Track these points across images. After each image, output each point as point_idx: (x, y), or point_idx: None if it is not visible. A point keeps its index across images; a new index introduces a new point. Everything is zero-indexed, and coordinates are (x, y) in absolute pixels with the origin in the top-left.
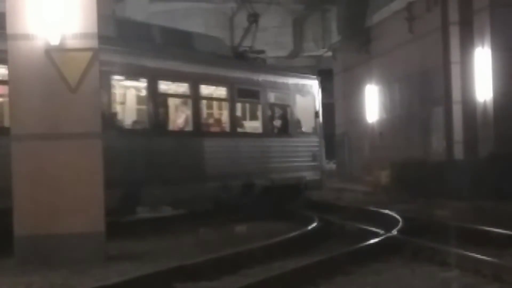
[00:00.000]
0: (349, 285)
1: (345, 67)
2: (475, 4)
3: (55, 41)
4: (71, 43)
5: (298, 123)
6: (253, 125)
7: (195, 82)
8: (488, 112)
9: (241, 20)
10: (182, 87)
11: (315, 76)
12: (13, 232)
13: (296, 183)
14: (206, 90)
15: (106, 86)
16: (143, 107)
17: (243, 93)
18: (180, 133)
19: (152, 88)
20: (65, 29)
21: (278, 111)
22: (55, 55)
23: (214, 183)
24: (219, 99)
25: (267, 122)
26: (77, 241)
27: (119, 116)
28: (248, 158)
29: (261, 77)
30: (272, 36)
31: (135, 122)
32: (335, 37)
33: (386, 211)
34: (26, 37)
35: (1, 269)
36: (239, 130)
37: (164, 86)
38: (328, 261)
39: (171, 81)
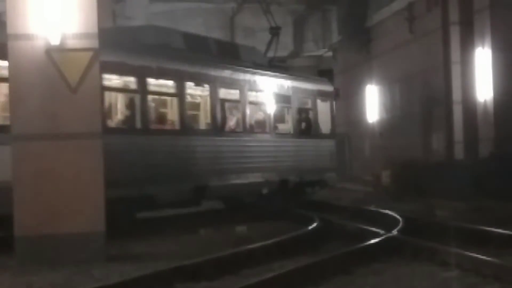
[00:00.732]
0: (349, 285)
1: (346, 67)
2: (475, 4)
3: (55, 41)
4: (72, 43)
5: (318, 125)
6: (285, 127)
7: (243, 88)
8: (488, 112)
9: (241, 20)
10: (234, 93)
11: (330, 82)
12: (14, 231)
13: (318, 179)
14: (252, 95)
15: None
16: (208, 110)
17: (279, 98)
18: (233, 134)
19: (214, 94)
20: (65, 29)
21: (303, 114)
22: (55, 55)
23: (259, 179)
24: (262, 104)
25: (296, 124)
26: (77, 241)
27: (194, 120)
28: (283, 156)
29: (291, 83)
30: None
31: (204, 124)
32: (335, 37)
33: (387, 211)
34: (26, 37)
35: (1, 269)
36: (276, 131)
37: (222, 92)
38: (328, 261)
39: (227, 88)
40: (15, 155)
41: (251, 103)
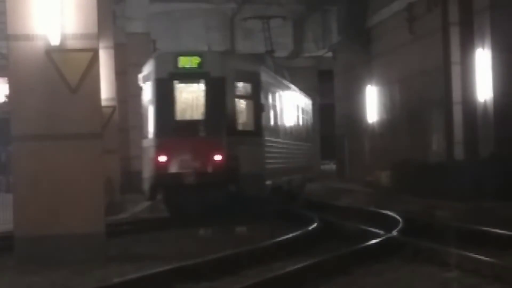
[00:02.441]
0: (349, 285)
1: (346, 67)
2: (475, 4)
3: (55, 42)
4: (72, 43)
5: (309, 131)
6: (301, 133)
7: (295, 103)
8: (488, 113)
9: (241, 20)
10: (296, 107)
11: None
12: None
13: (312, 176)
14: (298, 109)
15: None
16: (295, 121)
17: (302, 110)
18: (297, 139)
19: (296, 108)
20: (65, 30)
21: (305, 122)
22: (55, 56)
23: (299, 174)
24: (300, 115)
25: (304, 131)
26: (77, 241)
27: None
28: (303, 157)
29: (303, 97)
30: (273, 37)
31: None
32: (335, 38)
33: (386, 212)
34: (26, 37)
35: (1, 269)
36: (302, 136)
37: (296, 106)
38: (328, 262)
39: (297, 104)
40: (15, 155)
41: (298, 115)
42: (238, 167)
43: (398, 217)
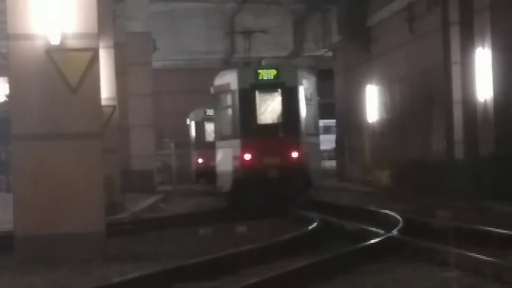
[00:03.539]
0: (349, 285)
1: (346, 67)
2: (475, 4)
3: (55, 41)
4: (72, 43)
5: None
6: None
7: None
8: (488, 112)
9: (242, 20)
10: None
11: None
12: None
13: None
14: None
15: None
16: None
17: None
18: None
19: None
20: (65, 29)
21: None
22: (55, 55)
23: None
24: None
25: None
26: (77, 241)
27: None
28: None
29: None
30: (273, 36)
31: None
32: (335, 37)
33: (387, 211)
34: (26, 37)
35: (1, 269)
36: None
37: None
38: (328, 261)
39: None
40: (15, 155)
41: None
42: (309, 163)
43: (398, 217)
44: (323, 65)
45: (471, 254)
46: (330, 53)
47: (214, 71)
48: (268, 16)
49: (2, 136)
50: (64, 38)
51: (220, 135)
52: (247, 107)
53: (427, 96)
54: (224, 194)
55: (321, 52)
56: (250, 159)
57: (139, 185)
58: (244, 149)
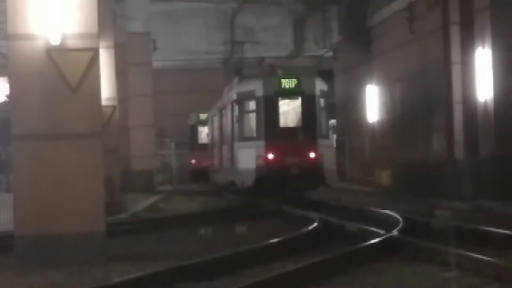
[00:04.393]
0: (349, 285)
1: (346, 67)
2: (475, 4)
3: (55, 41)
4: (72, 43)
5: None
6: None
7: None
8: (488, 112)
9: (242, 20)
10: None
11: None
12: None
13: None
14: None
15: None
16: None
17: None
18: None
19: None
20: (65, 29)
21: None
22: (55, 55)
23: None
24: None
25: None
26: (77, 241)
27: None
28: None
29: None
30: (273, 36)
31: None
32: (335, 37)
33: (387, 211)
34: (26, 37)
35: (1, 269)
36: None
37: None
38: (328, 261)
39: None
40: (15, 154)
41: None
42: (324, 163)
43: (398, 217)
44: (323, 65)
45: (471, 254)
46: (330, 53)
47: (214, 71)
48: (268, 16)
49: (2, 136)
50: (64, 38)
51: (242, 137)
52: (271, 112)
53: (427, 96)
54: (245, 189)
55: (321, 52)
56: (272, 159)
57: (139, 185)
58: (268, 150)
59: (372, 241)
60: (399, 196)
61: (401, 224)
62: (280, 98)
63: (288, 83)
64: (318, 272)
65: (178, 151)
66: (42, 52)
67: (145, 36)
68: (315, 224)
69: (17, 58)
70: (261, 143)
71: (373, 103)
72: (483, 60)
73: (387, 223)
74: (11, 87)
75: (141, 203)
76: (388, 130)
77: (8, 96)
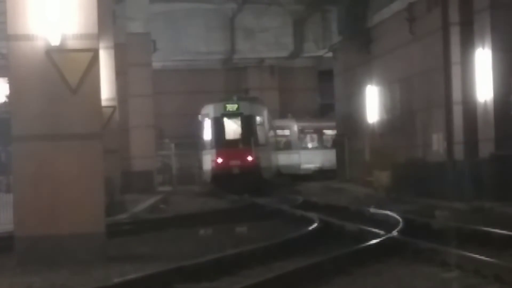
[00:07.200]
0: (349, 286)
1: (346, 67)
2: (475, 4)
3: (55, 42)
4: (72, 43)
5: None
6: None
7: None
8: (488, 113)
9: (242, 20)
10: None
11: None
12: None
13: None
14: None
15: None
16: None
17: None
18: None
19: None
20: (65, 30)
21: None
22: (55, 56)
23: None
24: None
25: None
26: (77, 242)
27: None
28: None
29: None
30: (273, 37)
31: None
32: (335, 38)
33: (387, 212)
34: (26, 37)
35: (1, 269)
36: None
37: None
38: (328, 262)
39: None
40: (15, 155)
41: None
42: (260, 163)
43: (398, 217)
44: (323, 65)
45: (471, 254)
46: (330, 54)
47: (214, 72)
48: (268, 16)
49: (2, 136)
50: (64, 38)
51: (203, 145)
52: (219, 128)
53: (427, 97)
54: (206, 183)
55: (321, 52)
56: (221, 162)
57: (139, 185)
58: (217, 155)
59: (372, 242)
60: (399, 196)
61: (401, 225)
62: (225, 118)
63: (231, 107)
64: (318, 273)
65: (178, 151)
66: (42, 53)
67: (145, 36)
68: (315, 225)
69: (17, 58)
70: (213, 151)
71: (373, 103)
72: (483, 60)
73: (387, 224)
74: (11, 88)
75: (141, 204)
76: (388, 130)
77: (8, 97)
